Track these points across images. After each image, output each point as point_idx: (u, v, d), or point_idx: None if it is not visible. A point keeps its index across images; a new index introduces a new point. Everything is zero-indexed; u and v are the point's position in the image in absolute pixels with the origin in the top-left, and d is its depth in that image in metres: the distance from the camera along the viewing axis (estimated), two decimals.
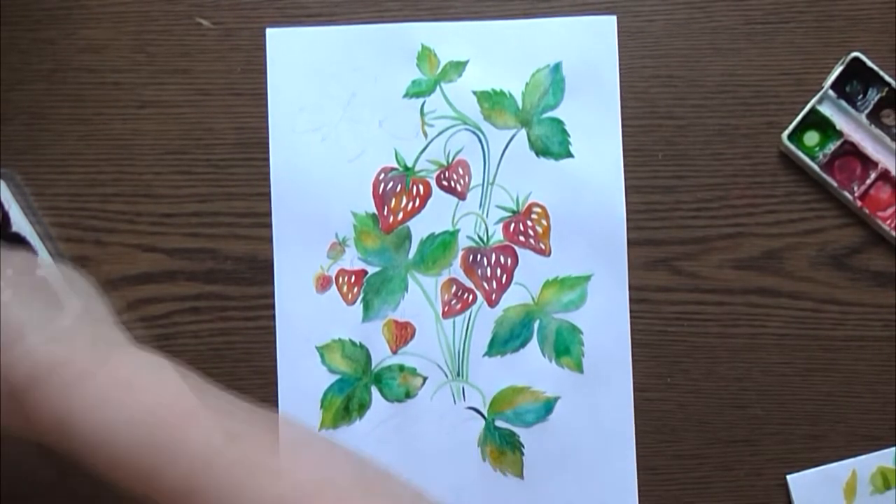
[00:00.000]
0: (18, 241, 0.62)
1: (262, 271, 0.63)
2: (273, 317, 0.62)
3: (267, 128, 0.63)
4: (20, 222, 0.62)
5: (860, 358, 0.61)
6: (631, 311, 0.62)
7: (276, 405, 0.62)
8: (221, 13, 0.63)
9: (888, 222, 0.61)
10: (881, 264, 0.62)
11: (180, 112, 0.63)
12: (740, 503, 0.61)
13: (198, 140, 0.63)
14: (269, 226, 0.63)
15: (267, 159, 0.63)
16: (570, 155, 0.62)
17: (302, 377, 0.62)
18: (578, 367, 0.62)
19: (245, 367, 0.62)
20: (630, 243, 0.62)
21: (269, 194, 0.63)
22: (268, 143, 0.63)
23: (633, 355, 0.62)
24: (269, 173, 0.63)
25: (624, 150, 0.62)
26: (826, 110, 0.62)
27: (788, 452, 0.61)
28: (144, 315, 0.62)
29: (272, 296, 0.62)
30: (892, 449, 0.60)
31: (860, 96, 0.62)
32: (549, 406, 0.62)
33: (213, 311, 0.62)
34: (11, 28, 0.63)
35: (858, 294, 0.61)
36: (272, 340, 0.62)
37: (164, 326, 0.62)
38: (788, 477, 0.60)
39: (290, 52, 0.63)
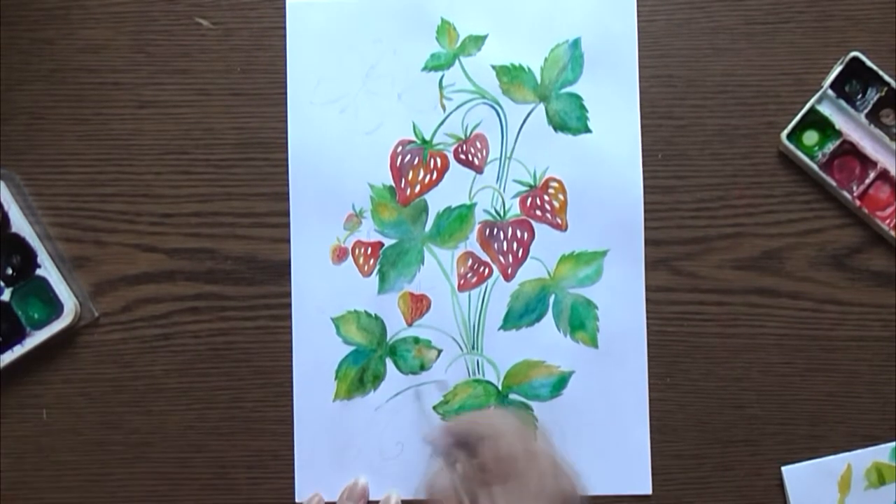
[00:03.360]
0: (18, 241, 0.63)
1: (261, 271, 0.64)
2: (272, 317, 0.64)
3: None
4: (20, 223, 0.63)
5: (860, 358, 0.63)
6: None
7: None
8: (221, 13, 0.65)
9: (887, 222, 0.62)
10: (881, 264, 0.63)
11: (180, 112, 0.65)
12: (740, 503, 0.62)
13: (197, 140, 0.64)
14: (270, 226, 0.64)
15: (268, 159, 0.64)
16: (587, 130, 0.64)
17: (317, 348, 0.64)
18: (593, 342, 0.63)
19: (244, 366, 0.64)
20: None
21: (269, 194, 0.64)
22: (269, 143, 0.65)
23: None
24: (270, 173, 0.64)
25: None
26: (825, 110, 0.63)
27: (788, 452, 0.63)
28: (144, 315, 0.64)
29: (271, 296, 0.64)
30: (888, 445, 0.62)
31: (859, 96, 0.63)
32: (563, 380, 0.63)
33: (212, 311, 0.64)
34: (11, 28, 0.65)
35: (858, 294, 0.63)
36: (271, 341, 0.64)
37: (164, 326, 0.64)
38: (784, 468, 0.62)
39: (309, 23, 0.65)
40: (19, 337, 0.63)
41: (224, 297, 0.64)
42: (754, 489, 0.63)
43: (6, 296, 0.63)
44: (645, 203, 0.64)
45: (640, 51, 0.64)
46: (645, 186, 0.64)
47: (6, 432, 0.64)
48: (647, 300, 0.63)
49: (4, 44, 0.65)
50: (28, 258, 0.63)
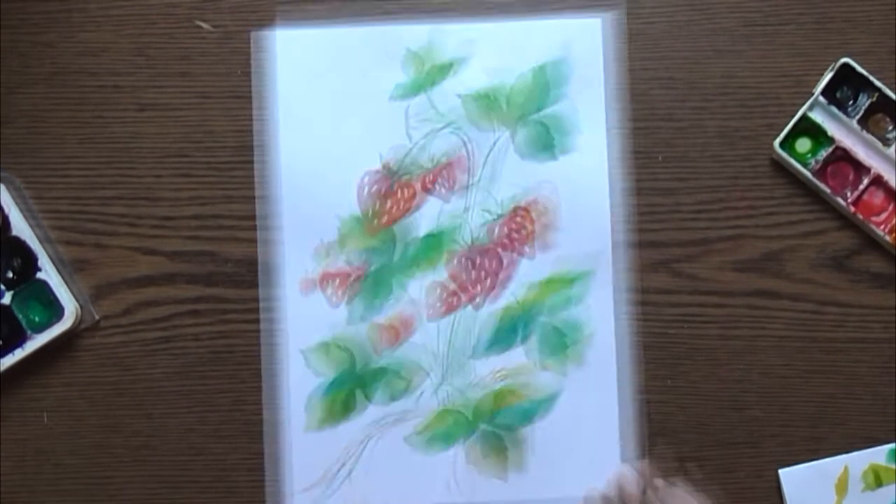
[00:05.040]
0: (18, 244, 0.64)
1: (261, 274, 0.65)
2: (273, 319, 0.65)
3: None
4: (20, 226, 0.64)
5: (860, 360, 0.64)
6: (631, 314, 0.64)
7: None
8: (221, 16, 0.66)
9: (882, 227, 0.63)
10: (881, 266, 0.64)
11: (180, 115, 0.66)
12: None
13: (198, 143, 0.65)
14: (270, 228, 0.65)
15: (268, 161, 0.65)
16: (553, 157, 0.65)
17: (287, 380, 0.64)
18: (565, 369, 0.64)
19: (245, 369, 0.65)
20: (630, 245, 0.65)
21: (269, 196, 0.65)
22: (269, 145, 0.65)
23: (632, 357, 0.64)
24: (269, 175, 0.65)
25: (624, 152, 0.65)
26: (817, 117, 0.64)
27: (788, 454, 0.64)
28: (145, 318, 0.65)
29: (272, 298, 0.65)
30: (885, 447, 0.63)
31: (851, 102, 0.64)
32: (535, 408, 0.64)
33: (212, 314, 0.65)
34: (11, 31, 0.66)
35: (858, 296, 0.64)
36: (272, 343, 0.65)
37: (165, 329, 0.65)
38: (780, 471, 0.63)
39: (275, 54, 0.65)
40: (20, 340, 0.64)
41: (225, 299, 0.65)
42: (755, 491, 0.63)
43: (7, 299, 0.64)
44: (645, 205, 0.65)
45: (640, 52, 0.65)
46: (645, 188, 0.65)
47: (7, 435, 0.64)
48: (647, 302, 0.64)
49: (5, 47, 0.66)
50: (29, 261, 0.64)
